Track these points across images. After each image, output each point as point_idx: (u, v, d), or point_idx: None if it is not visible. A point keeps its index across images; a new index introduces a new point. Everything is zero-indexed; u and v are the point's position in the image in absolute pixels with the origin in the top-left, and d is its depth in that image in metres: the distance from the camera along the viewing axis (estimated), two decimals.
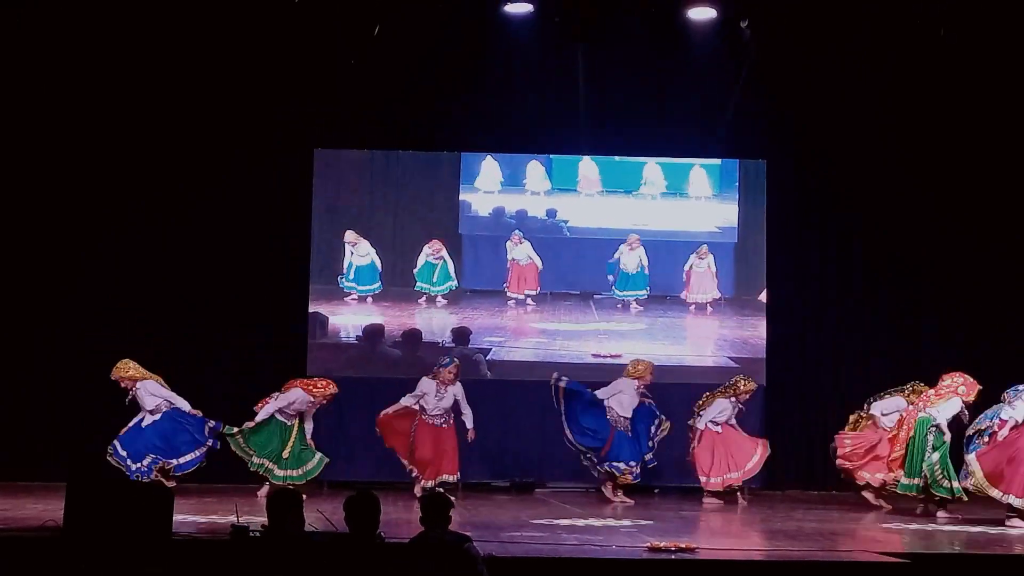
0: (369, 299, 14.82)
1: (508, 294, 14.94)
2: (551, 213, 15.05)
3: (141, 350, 13.19)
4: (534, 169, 15.02)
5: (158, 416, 12.74)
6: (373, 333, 14.75)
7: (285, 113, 14.25)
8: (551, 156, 15.00)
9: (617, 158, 15.00)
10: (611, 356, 14.57)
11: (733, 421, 13.26)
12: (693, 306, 14.97)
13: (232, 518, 9.78)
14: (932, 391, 12.39)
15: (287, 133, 14.38)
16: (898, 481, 12.31)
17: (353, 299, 14.80)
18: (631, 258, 14.92)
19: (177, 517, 8.71)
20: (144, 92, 14.08)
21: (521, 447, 14.47)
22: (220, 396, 13.73)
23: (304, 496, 7.55)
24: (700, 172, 15.06)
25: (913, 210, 14.74)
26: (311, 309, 14.60)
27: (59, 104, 14.08)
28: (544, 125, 14.67)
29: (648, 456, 13.04)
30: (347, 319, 14.80)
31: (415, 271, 14.82)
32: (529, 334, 14.91)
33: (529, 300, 14.96)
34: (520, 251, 14.96)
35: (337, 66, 13.96)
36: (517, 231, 14.93)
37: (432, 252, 14.79)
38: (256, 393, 13.22)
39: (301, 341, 14.47)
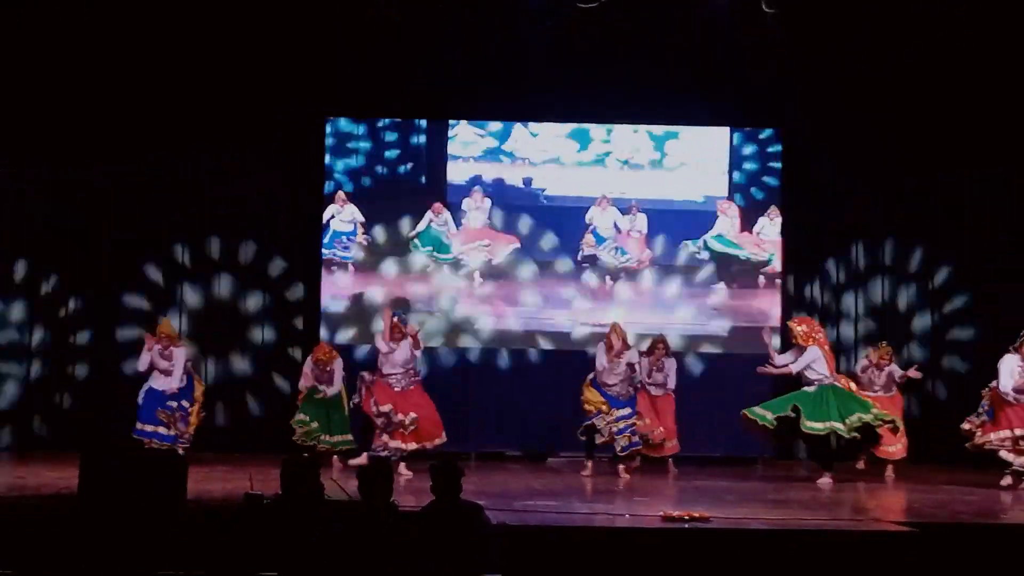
0: (351, 266, 14.70)
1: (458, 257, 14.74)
2: (527, 181, 14.93)
3: (150, 321, 13.21)
4: (517, 136, 14.90)
5: (184, 382, 12.76)
6: (359, 302, 14.64)
7: (295, 82, 14.20)
8: (528, 123, 14.87)
9: (593, 124, 14.89)
10: (600, 325, 14.51)
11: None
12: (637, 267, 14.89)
13: (247, 485, 9.84)
14: None
15: (297, 102, 14.35)
16: None
17: (335, 266, 14.65)
18: (605, 221, 14.86)
19: (191, 485, 8.74)
20: (150, 64, 14.04)
21: (532, 416, 14.45)
22: (234, 362, 13.79)
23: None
24: (683, 140, 14.95)
25: (927, 179, 14.71)
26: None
27: (65, 90, 14.01)
28: (545, 92, 14.51)
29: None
30: (334, 288, 14.66)
31: (416, 235, 14.70)
32: (517, 302, 14.80)
33: (476, 275, 14.77)
34: (477, 216, 14.79)
35: (341, 34, 13.92)
36: (478, 188, 14.77)
37: (434, 217, 14.72)
38: (270, 362, 13.25)
39: (314, 309, 14.48)
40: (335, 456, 12.78)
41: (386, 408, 12.10)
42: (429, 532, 6.79)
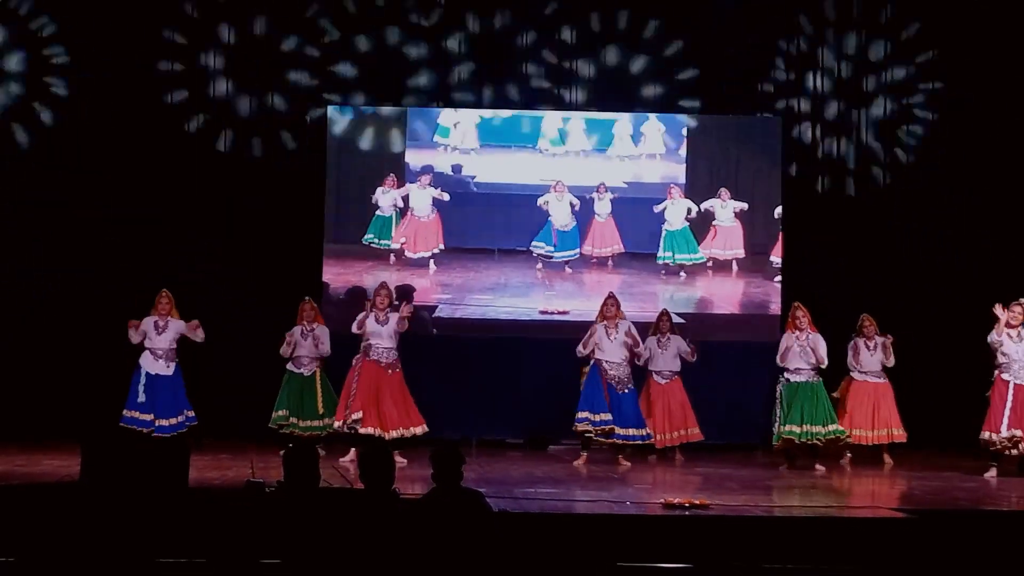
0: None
1: (402, 250, 14.63)
2: (456, 169, 14.84)
3: (150, 306, 13.20)
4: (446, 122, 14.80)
5: (172, 371, 12.75)
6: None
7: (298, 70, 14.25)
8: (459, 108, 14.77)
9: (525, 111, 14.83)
10: (559, 312, 14.52)
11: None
12: (595, 260, 14.80)
13: (249, 472, 9.85)
14: None
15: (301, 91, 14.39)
16: None
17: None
18: (560, 210, 14.73)
19: (192, 473, 8.75)
20: (150, 54, 14.09)
21: (533, 403, 14.43)
22: (236, 348, 13.81)
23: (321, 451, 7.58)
24: (623, 128, 14.81)
25: (924, 169, 14.73)
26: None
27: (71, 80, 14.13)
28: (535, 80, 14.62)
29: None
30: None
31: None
32: (475, 291, 14.71)
33: (431, 263, 14.68)
34: (421, 199, 14.68)
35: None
36: (426, 174, 14.62)
37: (382, 195, 14.63)
38: (269, 348, 13.25)
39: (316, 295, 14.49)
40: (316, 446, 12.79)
41: (357, 416, 12.12)
42: (430, 519, 6.80)
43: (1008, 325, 11.95)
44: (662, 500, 9.37)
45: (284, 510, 6.84)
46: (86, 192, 14.23)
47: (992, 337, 11.99)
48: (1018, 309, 12.00)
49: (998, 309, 12.02)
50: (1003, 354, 11.94)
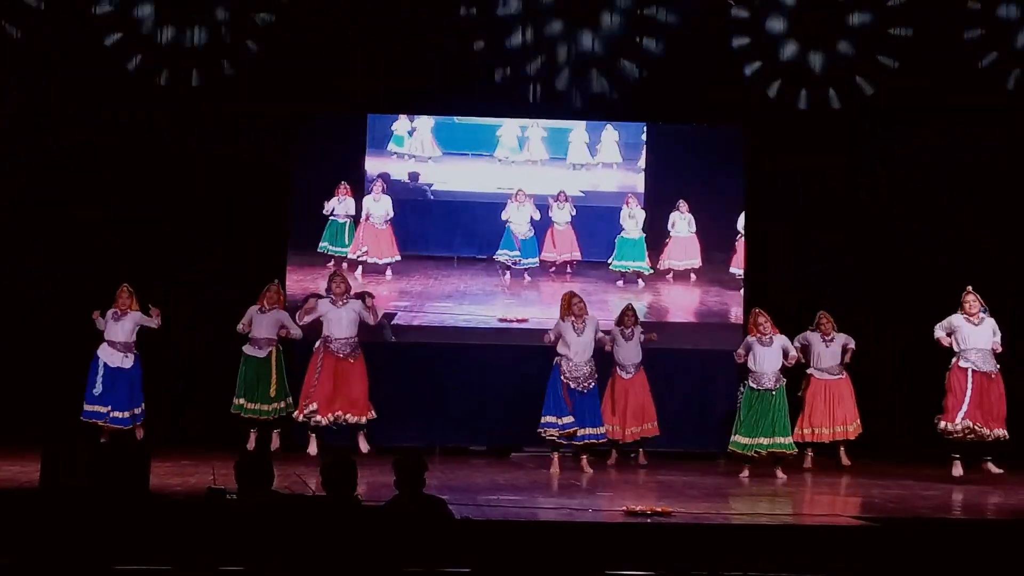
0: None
1: (353, 256, 14.49)
2: (413, 176, 14.80)
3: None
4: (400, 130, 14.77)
5: (131, 363, 12.72)
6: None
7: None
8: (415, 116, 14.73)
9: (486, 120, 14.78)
10: (518, 320, 14.53)
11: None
12: (554, 267, 14.79)
13: (210, 479, 9.81)
14: None
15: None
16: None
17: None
18: (520, 218, 14.71)
19: (153, 480, 8.71)
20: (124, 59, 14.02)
21: (492, 411, 14.40)
22: (197, 354, 13.74)
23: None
24: (579, 136, 14.85)
25: (889, 173, 14.81)
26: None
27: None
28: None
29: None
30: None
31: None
32: (433, 299, 14.67)
33: (388, 269, 14.59)
34: (376, 209, 14.59)
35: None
36: (379, 181, 14.56)
37: (338, 204, 14.53)
38: (234, 354, 13.20)
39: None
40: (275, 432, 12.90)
41: (313, 407, 12.33)
42: (392, 526, 6.79)
43: (967, 313, 12.04)
44: (624, 507, 9.39)
45: (246, 517, 6.81)
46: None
47: (940, 334, 12.11)
48: (970, 298, 12.09)
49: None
50: (961, 340, 12.02)
